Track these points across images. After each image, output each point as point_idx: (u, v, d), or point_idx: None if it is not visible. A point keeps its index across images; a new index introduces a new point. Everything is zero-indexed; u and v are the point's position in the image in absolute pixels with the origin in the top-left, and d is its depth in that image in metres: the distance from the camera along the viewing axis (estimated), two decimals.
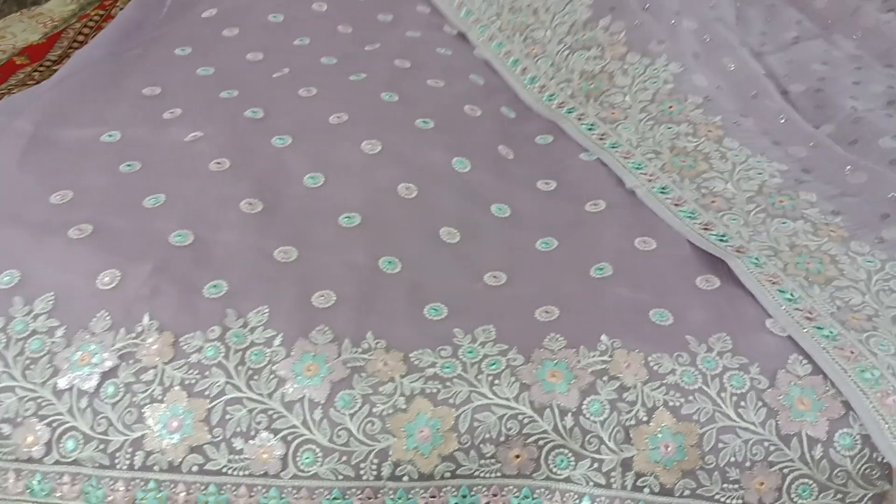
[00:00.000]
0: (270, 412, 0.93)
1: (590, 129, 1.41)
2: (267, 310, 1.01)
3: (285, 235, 1.12)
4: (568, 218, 1.23)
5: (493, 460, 0.94)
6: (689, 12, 1.62)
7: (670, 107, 1.42)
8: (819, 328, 1.00)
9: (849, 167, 1.30)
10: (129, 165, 1.22)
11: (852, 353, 0.97)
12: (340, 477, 0.92)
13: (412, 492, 0.93)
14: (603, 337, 0.99)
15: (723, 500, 0.94)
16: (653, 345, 0.99)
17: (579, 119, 1.44)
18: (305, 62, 1.53)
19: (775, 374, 0.96)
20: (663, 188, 1.26)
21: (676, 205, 1.23)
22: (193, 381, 0.95)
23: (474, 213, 1.22)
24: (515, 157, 1.36)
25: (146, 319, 0.99)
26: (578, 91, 1.51)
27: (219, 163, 1.22)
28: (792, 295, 1.05)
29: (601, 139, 1.38)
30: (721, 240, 1.15)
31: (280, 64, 1.51)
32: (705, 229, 1.17)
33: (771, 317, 1.03)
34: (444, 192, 1.23)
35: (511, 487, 0.95)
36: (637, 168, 1.31)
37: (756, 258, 1.11)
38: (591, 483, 0.94)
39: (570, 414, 0.94)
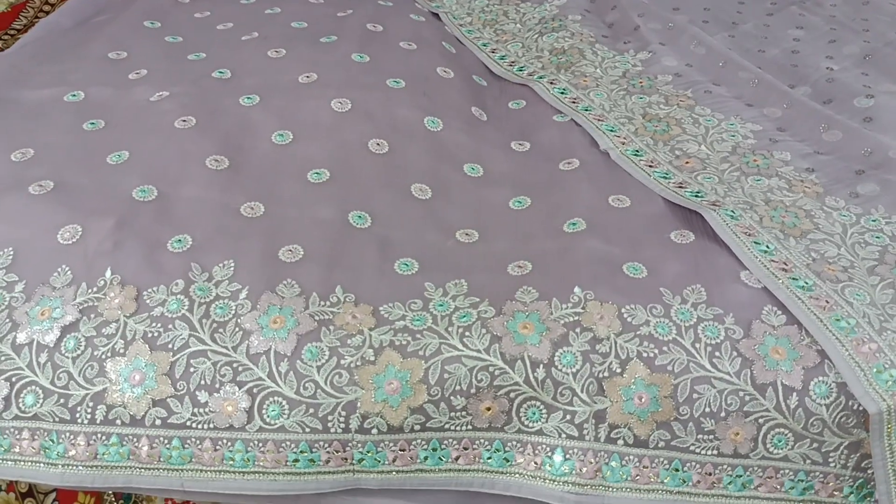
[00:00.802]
0: (235, 365, 0.91)
1: (562, 93, 1.41)
2: (232, 264, 0.99)
3: (252, 191, 1.09)
4: (541, 176, 1.21)
5: (463, 413, 0.92)
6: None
7: (641, 82, 1.44)
8: (794, 279, 1.00)
9: (823, 125, 1.30)
10: (92, 124, 1.20)
11: (827, 302, 0.97)
12: (307, 430, 0.90)
13: (381, 445, 0.92)
14: (576, 289, 0.98)
15: (698, 450, 0.93)
16: (626, 297, 0.97)
17: (551, 83, 1.44)
18: (275, 27, 1.51)
19: (750, 325, 0.95)
20: (636, 151, 1.26)
21: (650, 166, 1.22)
22: (156, 335, 0.93)
23: (446, 172, 1.20)
24: (489, 118, 1.34)
25: (108, 273, 0.97)
26: (549, 64, 1.51)
27: (184, 120, 1.20)
28: (767, 247, 1.04)
29: (573, 102, 1.38)
30: (696, 196, 1.14)
31: (249, 29, 1.49)
32: (680, 187, 1.17)
33: (746, 269, 1.02)
34: (415, 150, 1.21)
35: (482, 440, 0.94)
36: (611, 130, 1.30)
37: (731, 211, 1.10)
38: (564, 435, 0.93)
39: (541, 366, 0.92)
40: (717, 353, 0.93)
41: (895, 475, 0.90)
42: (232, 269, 0.98)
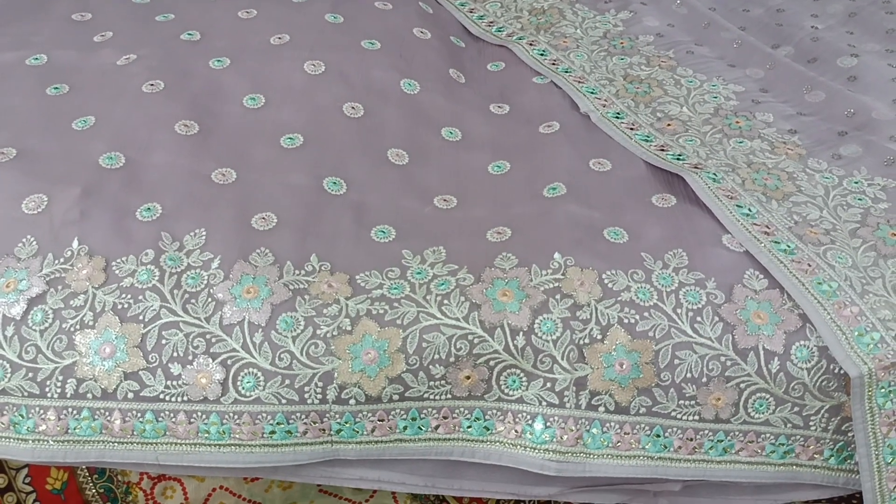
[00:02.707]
0: (208, 336, 0.89)
1: (541, 55, 1.38)
2: (204, 232, 0.96)
3: (223, 157, 1.06)
4: (520, 140, 1.19)
5: (442, 382, 0.91)
6: None
7: (622, 42, 1.42)
8: (776, 242, 0.99)
9: (806, 86, 1.29)
10: (56, 88, 1.16)
11: (809, 265, 0.96)
12: (284, 401, 0.88)
13: (359, 415, 0.90)
14: (556, 255, 0.96)
15: (679, 416, 0.93)
16: (607, 262, 0.96)
17: (531, 45, 1.41)
18: None
19: (732, 289, 0.94)
20: (618, 114, 1.23)
21: (631, 129, 1.20)
22: (126, 306, 0.90)
23: (424, 136, 1.17)
24: (467, 81, 1.31)
25: (75, 244, 0.94)
26: (528, 24, 1.48)
27: (152, 84, 1.16)
28: (749, 210, 1.03)
29: (553, 64, 1.35)
30: (678, 159, 1.13)
31: None
32: (661, 150, 1.15)
33: (728, 232, 1.01)
34: (391, 114, 1.18)
35: (462, 409, 0.92)
36: (591, 92, 1.28)
37: (713, 174, 1.08)
38: (544, 403, 0.92)
39: (521, 333, 0.91)
40: (698, 319, 0.92)
41: (875, 438, 0.90)
42: (203, 237, 0.95)
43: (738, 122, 1.22)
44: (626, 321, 0.92)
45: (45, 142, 1.06)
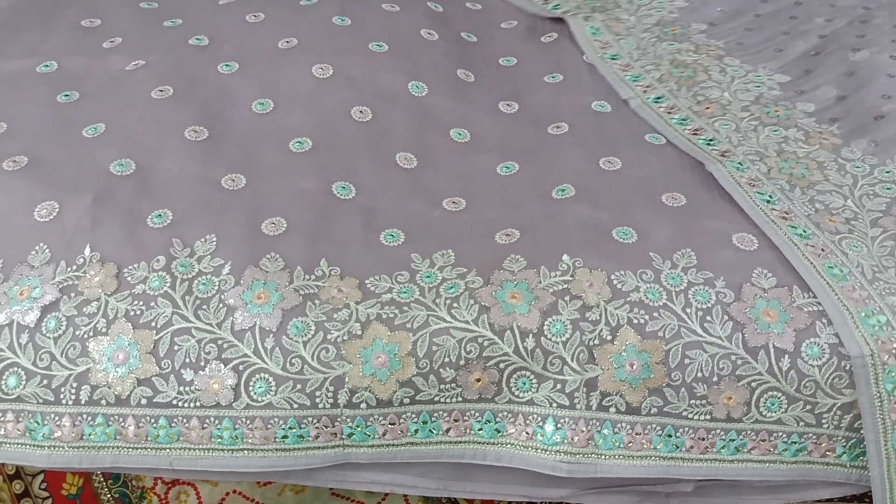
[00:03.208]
0: (220, 342, 0.90)
1: (593, 34, 1.41)
2: (214, 238, 0.97)
3: (232, 162, 1.07)
4: (529, 141, 1.19)
5: (453, 385, 0.91)
6: None
7: (673, 30, 1.45)
8: (793, 227, 1.01)
9: (849, 71, 1.31)
10: (66, 95, 1.17)
11: (823, 250, 0.98)
12: (295, 406, 0.89)
13: (370, 419, 0.91)
14: (564, 256, 0.96)
15: (690, 416, 0.93)
16: (616, 263, 0.96)
17: (585, 20, 1.44)
18: None
19: (741, 288, 0.94)
20: (658, 98, 1.26)
21: (669, 112, 1.23)
22: (139, 313, 0.91)
23: (432, 138, 1.17)
24: (476, 79, 1.31)
25: (87, 251, 0.95)
26: (584, 5, 1.52)
27: (161, 90, 1.17)
28: (770, 197, 1.06)
29: (603, 48, 1.38)
30: (708, 143, 1.15)
31: None
32: (694, 134, 1.18)
33: (738, 231, 1.01)
34: (399, 117, 1.18)
35: (473, 412, 0.93)
36: (634, 80, 1.30)
37: (739, 163, 1.11)
38: (555, 404, 0.92)
39: (531, 335, 0.91)
40: (708, 318, 0.92)
41: (884, 424, 0.90)
42: (214, 243, 0.96)
43: (776, 111, 1.24)
44: (635, 321, 0.92)
45: (56, 149, 1.07)
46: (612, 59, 1.36)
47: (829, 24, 1.45)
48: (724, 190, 1.07)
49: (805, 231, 1.00)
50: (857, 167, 1.13)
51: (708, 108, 1.24)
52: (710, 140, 1.16)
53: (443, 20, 1.44)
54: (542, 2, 1.54)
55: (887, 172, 1.12)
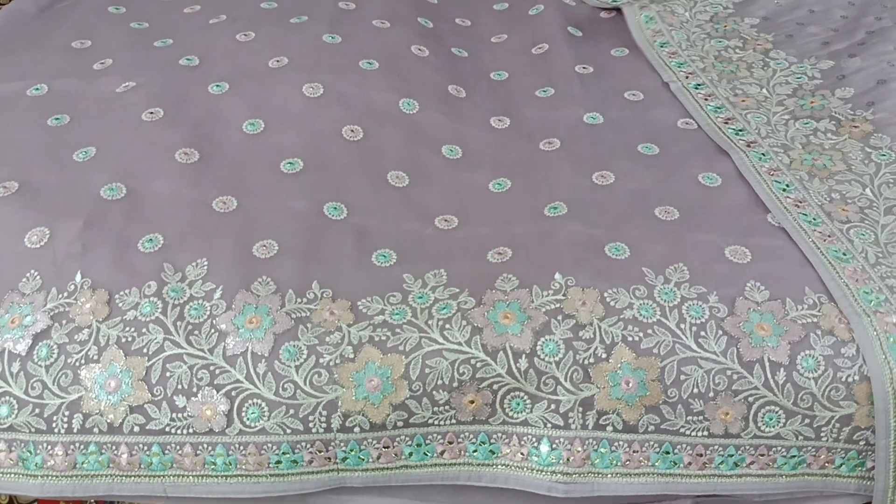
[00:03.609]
0: (212, 367, 0.89)
1: (647, 22, 1.47)
2: (206, 262, 0.96)
3: (223, 184, 1.07)
4: (521, 157, 1.19)
5: (446, 407, 0.90)
6: None
7: (725, 26, 1.50)
8: (804, 214, 1.06)
9: (893, 56, 1.36)
10: (56, 119, 1.17)
11: (829, 236, 1.02)
12: (289, 431, 0.88)
13: (364, 443, 0.90)
14: (556, 275, 0.96)
15: (688, 433, 0.92)
16: (608, 280, 0.95)
17: (641, 9, 1.48)
18: (244, 8, 1.47)
19: (734, 302, 0.94)
20: (698, 84, 1.33)
21: (706, 99, 1.29)
22: (130, 339, 0.90)
23: (424, 155, 1.17)
24: (467, 94, 1.31)
25: (78, 277, 0.94)
26: None
27: (152, 112, 1.17)
28: (787, 186, 1.11)
29: (654, 36, 1.44)
30: (737, 133, 1.21)
31: (217, 11, 1.45)
32: (726, 123, 1.23)
33: (731, 244, 1.01)
34: (391, 134, 1.18)
35: (467, 434, 0.92)
36: (679, 66, 1.36)
37: (763, 153, 1.16)
38: (549, 425, 0.91)
39: (524, 356, 0.90)
40: (702, 333, 0.92)
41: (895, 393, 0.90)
42: (205, 267, 0.96)
43: (812, 102, 1.29)
44: (630, 339, 0.91)
45: (46, 174, 1.07)
46: (662, 46, 1.42)
47: (878, 23, 1.49)
48: (718, 201, 1.08)
49: (815, 219, 1.05)
50: (883, 155, 1.17)
51: (744, 101, 1.30)
52: (740, 130, 1.22)
53: (433, 36, 1.44)
54: None
55: None
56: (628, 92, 1.32)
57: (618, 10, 1.54)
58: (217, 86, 1.22)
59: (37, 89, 1.23)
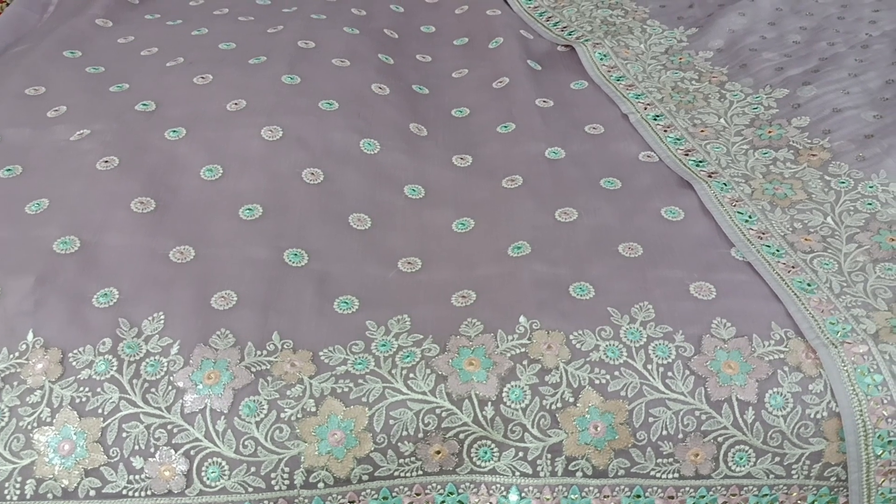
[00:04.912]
0: (170, 426, 0.87)
1: (601, 59, 1.48)
2: (162, 316, 0.94)
3: (180, 234, 1.04)
4: (484, 196, 1.18)
5: (412, 458, 0.88)
6: None
7: (680, 59, 1.52)
8: (767, 246, 1.06)
9: (852, 77, 1.40)
10: (8, 170, 1.14)
11: (794, 268, 1.02)
12: (250, 489, 0.86)
13: (329, 498, 0.88)
14: (521, 318, 0.94)
15: (658, 475, 0.91)
16: (573, 322, 0.94)
17: (595, 46, 1.50)
18: (202, 50, 1.45)
19: (700, 340, 0.93)
20: (657, 116, 1.34)
21: (665, 130, 1.31)
22: (84, 400, 0.88)
23: (386, 197, 1.15)
24: (429, 133, 1.30)
25: (30, 336, 0.92)
26: (598, 29, 1.60)
27: (106, 161, 1.14)
28: (749, 217, 1.11)
29: (609, 71, 1.45)
30: (698, 164, 1.22)
31: (175, 54, 1.43)
32: (686, 154, 1.24)
33: (695, 280, 1.00)
34: (352, 176, 1.16)
35: (434, 485, 0.90)
36: (637, 98, 1.37)
37: (724, 183, 1.16)
38: (518, 473, 0.90)
39: (489, 403, 0.89)
40: (669, 374, 0.91)
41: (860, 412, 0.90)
42: (162, 322, 0.93)
43: (769, 132, 1.31)
44: (597, 382, 0.90)
45: None
46: (618, 80, 1.43)
47: (832, 48, 1.51)
48: (681, 236, 1.08)
49: (779, 250, 1.05)
50: (842, 182, 1.18)
51: (703, 131, 1.31)
52: (700, 161, 1.23)
53: (394, 73, 1.43)
54: (559, 29, 1.62)
55: (871, 187, 1.17)
56: (589, 126, 1.32)
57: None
58: (174, 131, 1.20)
59: None
